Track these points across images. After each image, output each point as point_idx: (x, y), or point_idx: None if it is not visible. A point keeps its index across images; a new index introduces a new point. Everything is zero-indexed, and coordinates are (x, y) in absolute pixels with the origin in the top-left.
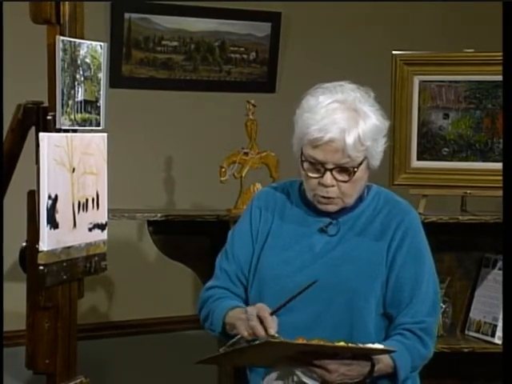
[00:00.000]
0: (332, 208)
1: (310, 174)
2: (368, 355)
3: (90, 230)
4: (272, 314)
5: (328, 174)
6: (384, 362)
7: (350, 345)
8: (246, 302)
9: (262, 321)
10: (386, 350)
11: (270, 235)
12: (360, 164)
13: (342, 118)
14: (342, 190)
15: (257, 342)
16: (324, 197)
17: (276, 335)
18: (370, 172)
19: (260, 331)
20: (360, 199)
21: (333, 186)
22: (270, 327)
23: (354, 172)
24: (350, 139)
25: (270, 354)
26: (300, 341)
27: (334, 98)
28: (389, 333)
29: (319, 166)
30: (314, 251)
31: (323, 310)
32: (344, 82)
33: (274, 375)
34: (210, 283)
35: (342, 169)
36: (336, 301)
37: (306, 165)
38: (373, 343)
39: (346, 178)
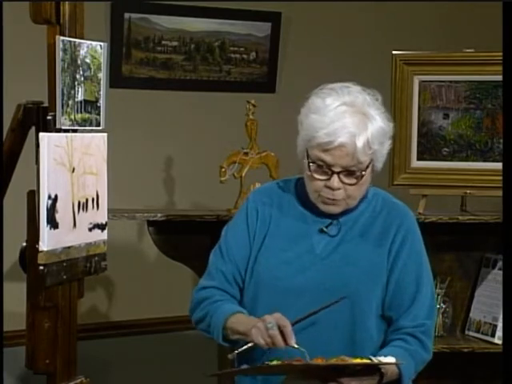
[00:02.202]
0: (335, 209)
1: (317, 176)
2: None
3: (90, 229)
4: (292, 325)
5: (335, 176)
6: (391, 371)
7: (365, 361)
8: (241, 304)
9: (281, 331)
10: (396, 363)
11: (268, 236)
12: (367, 167)
13: (352, 122)
14: (347, 192)
15: (279, 363)
16: (329, 198)
17: (296, 346)
18: (373, 174)
19: (280, 341)
20: (360, 200)
21: (339, 188)
22: (290, 337)
23: (362, 176)
24: (360, 143)
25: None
26: (319, 361)
27: (342, 101)
28: (388, 336)
29: (326, 169)
30: (315, 252)
31: (325, 312)
32: (349, 83)
33: None
34: (204, 282)
35: (350, 172)
36: (338, 303)
37: (312, 167)
38: (373, 355)
39: (353, 181)
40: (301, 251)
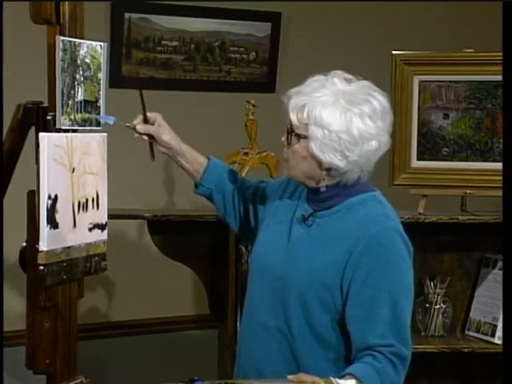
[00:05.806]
0: (283, 171)
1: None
2: None
3: (90, 230)
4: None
5: (286, 133)
6: None
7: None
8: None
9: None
10: None
11: (272, 212)
12: (298, 135)
13: (317, 87)
14: (286, 154)
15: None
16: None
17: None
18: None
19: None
20: (343, 199)
21: (285, 145)
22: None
23: (291, 138)
24: (297, 100)
25: None
26: None
27: (338, 86)
28: (357, 353)
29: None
30: (289, 239)
31: (277, 298)
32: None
33: None
34: None
35: (288, 131)
36: (284, 293)
37: None
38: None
39: (286, 140)
40: (280, 233)
